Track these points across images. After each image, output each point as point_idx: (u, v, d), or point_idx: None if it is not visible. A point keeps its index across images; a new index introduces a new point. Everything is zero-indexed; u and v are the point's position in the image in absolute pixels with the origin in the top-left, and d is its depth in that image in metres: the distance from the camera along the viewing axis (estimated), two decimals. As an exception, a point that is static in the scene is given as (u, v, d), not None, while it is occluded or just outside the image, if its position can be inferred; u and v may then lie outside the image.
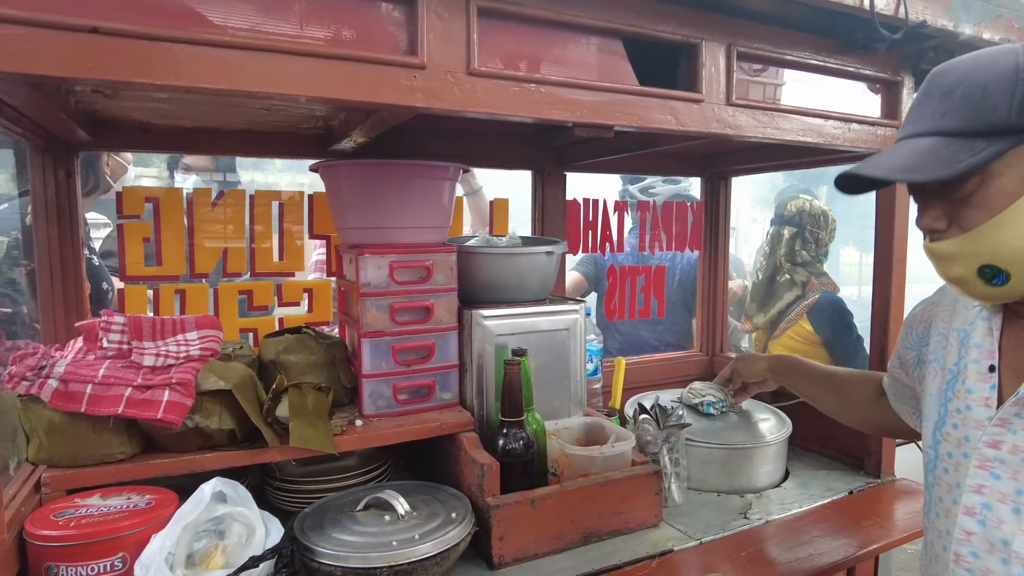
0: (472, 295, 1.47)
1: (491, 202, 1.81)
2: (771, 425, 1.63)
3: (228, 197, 1.49)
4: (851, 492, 1.56)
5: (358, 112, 1.22)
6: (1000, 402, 0.87)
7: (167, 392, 1.13)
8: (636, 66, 1.20)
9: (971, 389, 0.90)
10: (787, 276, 2.63)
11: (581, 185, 1.96)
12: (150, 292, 1.45)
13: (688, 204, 2.06)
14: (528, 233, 1.88)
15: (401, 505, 1.21)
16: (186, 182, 2.83)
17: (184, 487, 1.14)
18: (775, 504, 1.49)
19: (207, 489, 1.07)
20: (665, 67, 1.27)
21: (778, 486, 1.60)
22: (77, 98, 1.16)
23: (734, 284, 3.02)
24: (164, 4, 0.86)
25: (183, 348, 1.23)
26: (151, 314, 1.44)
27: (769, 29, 1.32)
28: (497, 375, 1.41)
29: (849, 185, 0.88)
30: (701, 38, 1.23)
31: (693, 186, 3.09)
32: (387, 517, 1.20)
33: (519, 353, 1.37)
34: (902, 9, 1.26)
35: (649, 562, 1.26)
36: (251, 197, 1.51)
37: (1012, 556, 0.82)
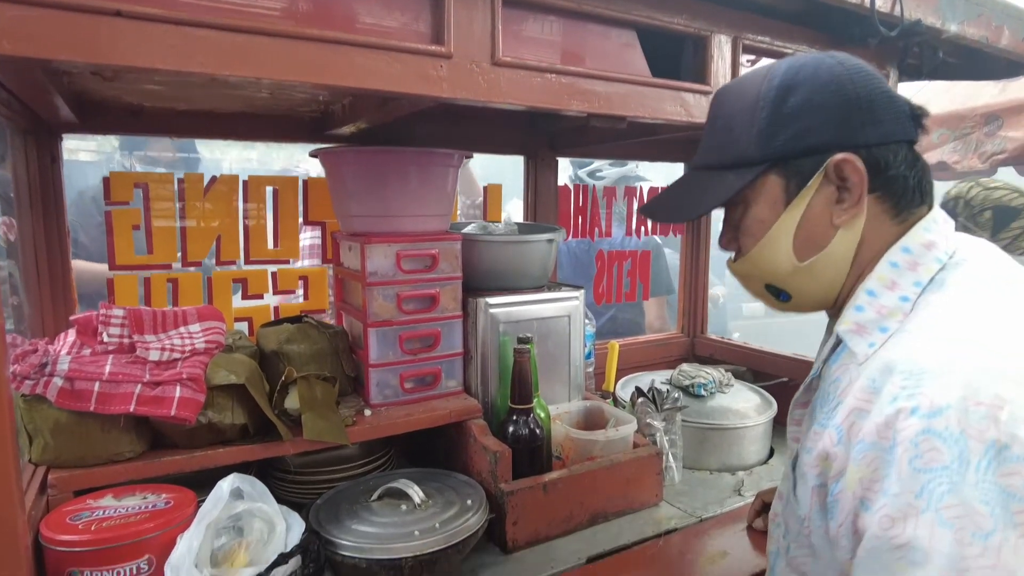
0: (473, 282, 1.47)
1: (484, 188, 1.80)
2: (758, 404, 1.70)
3: (220, 183, 1.44)
4: (832, 466, 1.64)
5: (370, 99, 1.19)
6: None
7: (178, 388, 1.09)
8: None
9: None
10: None
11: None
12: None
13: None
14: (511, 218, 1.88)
15: (417, 494, 1.21)
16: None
17: (189, 482, 1.12)
18: (766, 481, 1.56)
19: (225, 486, 1.05)
20: (666, 58, 1.29)
21: (765, 463, 1.67)
22: (71, 79, 1.09)
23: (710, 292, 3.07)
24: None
25: (187, 341, 1.20)
26: (142, 304, 1.38)
27: (770, 23, 1.34)
28: (503, 362, 1.42)
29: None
30: (711, 31, 1.25)
31: (641, 168, 3.13)
32: (403, 507, 1.21)
33: (525, 340, 1.38)
34: (898, 7, 1.31)
35: (656, 541, 1.31)
36: (244, 183, 1.46)
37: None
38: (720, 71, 1.28)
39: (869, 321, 0.75)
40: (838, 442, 0.70)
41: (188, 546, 0.93)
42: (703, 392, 1.69)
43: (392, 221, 1.35)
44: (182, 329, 1.23)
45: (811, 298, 0.84)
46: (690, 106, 1.25)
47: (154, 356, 1.14)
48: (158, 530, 0.95)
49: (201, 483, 1.09)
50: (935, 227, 0.78)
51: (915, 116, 0.78)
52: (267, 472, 1.38)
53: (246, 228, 1.48)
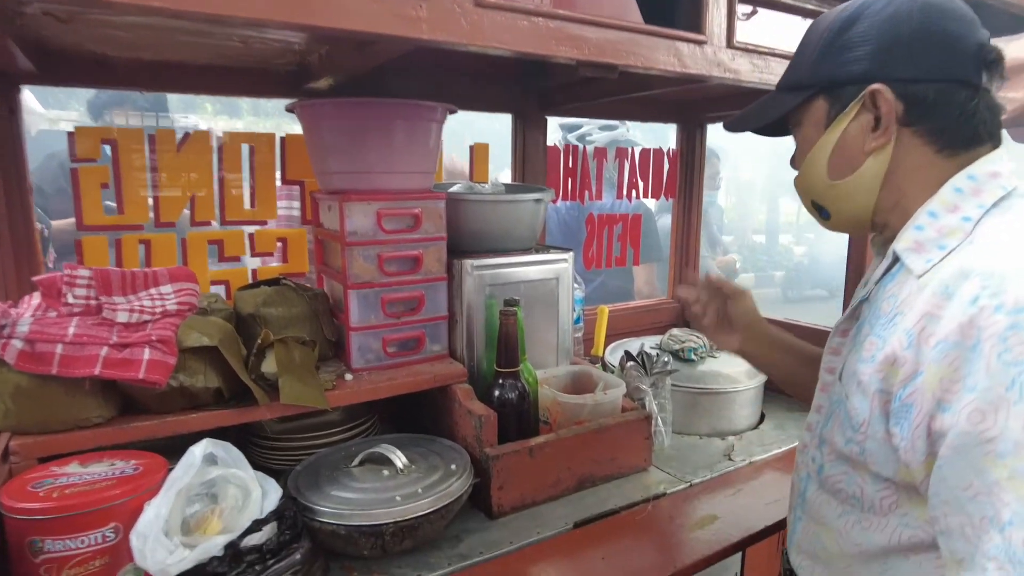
0: (459, 244, 1.42)
1: (471, 147, 1.73)
2: (749, 369, 1.66)
3: (194, 139, 1.37)
4: (823, 432, 1.62)
5: (346, 45, 1.12)
6: None
7: (147, 350, 1.05)
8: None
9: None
10: None
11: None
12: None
13: (664, 152, 2.04)
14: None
15: (399, 459, 1.18)
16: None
17: (161, 449, 1.07)
18: (756, 446, 1.54)
19: (197, 451, 1.01)
20: (661, 6, 1.23)
21: (756, 428, 1.65)
22: (24, 21, 1.02)
23: (727, 258, 3.05)
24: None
25: (158, 303, 1.14)
26: (113, 266, 1.33)
27: (768, -31, 1.28)
28: (490, 326, 1.38)
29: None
30: (706, -25, 1.18)
31: (632, 131, 3.07)
32: (385, 472, 1.17)
33: (512, 303, 1.34)
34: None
35: (645, 505, 1.28)
36: (219, 139, 1.40)
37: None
38: (716, 20, 1.22)
39: (928, 239, 0.77)
40: (908, 346, 0.71)
41: (156, 513, 0.89)
42: (693, 356, 1.66)
43: (373, 178, 1.29)
44: (153, 290, 1.17)
45: (844, 217, 0.89)
46: (684, 56, 1.19)
47: (122, 318, 1.09)
48: (125, 497, 0.91)
49: (176, 450, 1.04)
50: (1000, 161, 0.79)
51: (983, 61, 0.77)
52: (246, 440, 1.35)
53: (221, 188, 1.42)
